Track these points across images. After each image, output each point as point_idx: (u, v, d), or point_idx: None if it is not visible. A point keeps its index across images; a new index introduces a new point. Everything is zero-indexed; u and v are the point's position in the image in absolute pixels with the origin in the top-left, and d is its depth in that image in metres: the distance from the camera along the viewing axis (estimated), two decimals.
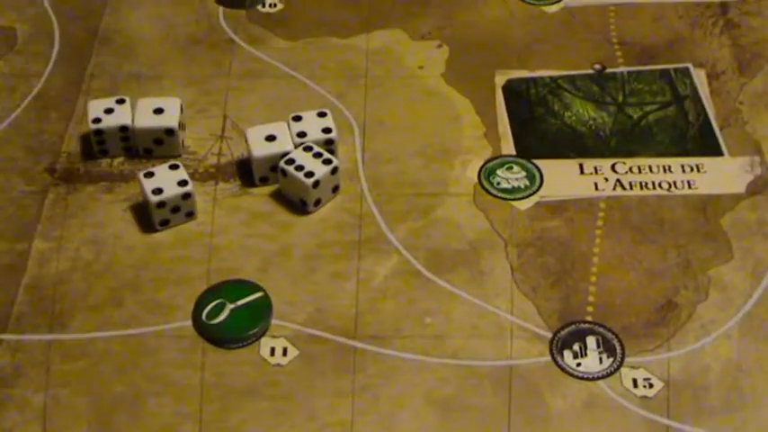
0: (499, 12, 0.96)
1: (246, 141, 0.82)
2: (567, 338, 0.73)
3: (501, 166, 0.84)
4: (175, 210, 0.79)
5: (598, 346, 0.73)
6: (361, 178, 0.83)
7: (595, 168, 0.84)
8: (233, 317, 0.74)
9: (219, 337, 0.73)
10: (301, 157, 0.80)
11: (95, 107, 0.84)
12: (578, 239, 0.80)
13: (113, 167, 0.84)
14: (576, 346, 0.73)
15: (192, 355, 0.73)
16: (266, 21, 0.96)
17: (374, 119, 0.88)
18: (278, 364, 0.72)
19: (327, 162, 0.80)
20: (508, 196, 0.82)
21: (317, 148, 0.81)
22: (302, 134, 0.82)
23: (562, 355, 0.73)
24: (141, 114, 0.84)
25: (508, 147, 0.86)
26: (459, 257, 0.78)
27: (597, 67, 0.92)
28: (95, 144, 0.84)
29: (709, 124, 0.87)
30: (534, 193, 0.82)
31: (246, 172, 0.83)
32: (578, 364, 0.72)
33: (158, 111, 0.84)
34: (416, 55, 0.93)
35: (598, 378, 0.71)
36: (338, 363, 0.73)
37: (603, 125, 0.87)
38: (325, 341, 0.74)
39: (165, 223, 0.80)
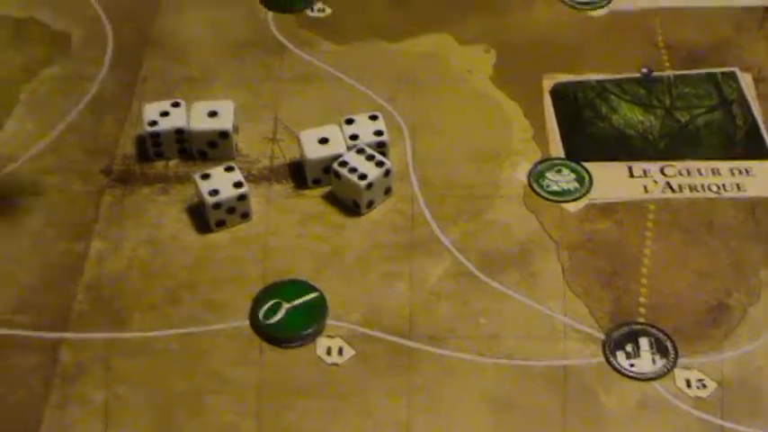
0: (546, 16, 0.97)
1: (299, 144, 0.84)
2: (619, 339, 0.74)
3: (550, 168, 0.85)
4: (231, 211, 0.81)
5: (651, 347, 0.74)
6: (412, 180, 0.84)
7: (644, 171, 0.85)
8: (289, 316, 0.76)
9: (276, 336, 0.75)
10: (354, 159, 0.82)
11: (151, 110, 0.85)
12: (628, 241, 0.80)
13: (168, 169, 0.86)
14: (628, 347, 0.74)
15: (250, 354, 0.74)
16: (315, 25, 0.97)
17: (423, 122, 0.89)
18: (334, 364, 0.74)
19: (380, 164, 0.81)
20: (558, 198, 0.83)
21: (369, 151, 0.82)
22: (354, 137, 0.83)
23: (615, 356, 0.73)
24: (196, 117, 0.85)
25: (557, 149, 0.87)
26: (511, 259, 0.79)
27: (644, 70, 0.92)
28: (151, 146, 0.85)
29: (757, 127, 0.88)
30: (584, 195, 0.83)
31: (299, 174, 0.85)
32: (631, 365, 0.73)
33: (213, 114, 0.85)
34: (464, 59, 0.94)
35: (651, 378, 0.72)
36: (393, 362, 0.74)
37: (651, 127, 0.88)
38: (380, 341, 0.75)
39: (222, 224, 0.81)
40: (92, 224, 0.82)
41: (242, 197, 0.80)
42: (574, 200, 0.83)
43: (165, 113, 0.85)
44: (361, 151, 0.82)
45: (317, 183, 0.84)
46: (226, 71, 0.93)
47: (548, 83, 0.92)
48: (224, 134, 0.84)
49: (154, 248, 0.80)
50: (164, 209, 0.83)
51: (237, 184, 0.80)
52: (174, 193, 0.84)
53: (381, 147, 0.84)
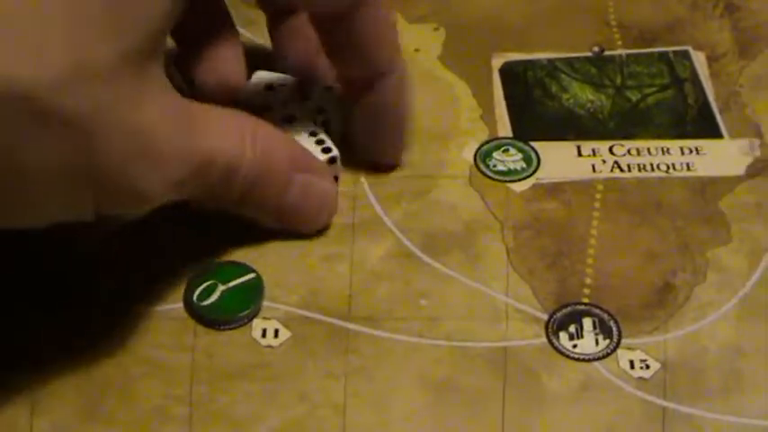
0: None
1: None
2: (562, 320, 0.72)
3: (497, 148, 0.83)
4: None
5: (594, 328, 0.72)
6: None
7: (593, 150, 0.83)
8: (224, 298, 0.74)
9: (211, 318, 0.73)
10: (305, 141, 0.79)
11: None
12: (575, 221, 0.79)
13: None
14: (572, 328, 0.72)
15: (183, 337, 0.72)
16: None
17: None
18: (269, 346, 0.72)
19: (327, 151, 0.79)
20: (505, 178, 0.81)
21: (321, 134, 0.79)
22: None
23: (558, 337, 0.72)
24: None
25: (505, 129, 0.85)
26: (455, 239, 0.78)
27: (596, 49, 0.91)
28: None
29: (709, 107, 0.86)
30: (531, 175, 0.81)
31: None
32: (574, 346, 0.71)
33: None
34: (412, 38, 0.92)
35: (594, 359, 0.70)
36: (331, 344, 0.72)
37: (602, 106, 0.86)
38: (318, 323, 0.73)
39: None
40: None
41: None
42: (520, 180, 0.81)
43: None
44: (313, 134, 0.80)
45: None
46: None
47: (497, 62, 0.90)
48: None
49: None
50: None
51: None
52: None
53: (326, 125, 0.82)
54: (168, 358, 0.71)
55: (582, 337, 0.72)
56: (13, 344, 0.71)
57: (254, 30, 0.92)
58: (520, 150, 0.83)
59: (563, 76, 0.89)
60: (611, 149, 0.83)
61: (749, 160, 0.82)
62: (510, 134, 0.84)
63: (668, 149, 0.83)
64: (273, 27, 0.85)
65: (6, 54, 0.56)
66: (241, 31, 0.92)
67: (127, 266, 0.76)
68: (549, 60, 0.90)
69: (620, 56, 0.90)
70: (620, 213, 0.79)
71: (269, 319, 0.73)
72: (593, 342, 0.71)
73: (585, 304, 0.73)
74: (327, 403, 0.69)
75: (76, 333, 0.72)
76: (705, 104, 0.86)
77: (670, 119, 0.86)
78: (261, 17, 0.93)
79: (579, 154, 0.83)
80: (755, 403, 0.68)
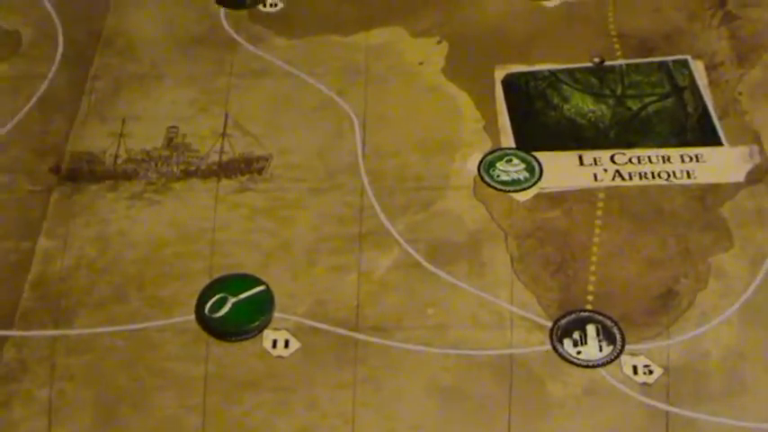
0: (499, 6, 0.97)
1: None
2: (566, 327, 0.74)
3: (501, 158, 0.85)
4: None
5: (598, 334, 0.73)
6: (362, 172, 0.84)
7: (595, 159, 0.84)
8: (235, 310, 0.75)
9: (222, 330, 0.74)
10: None
11: None
12: (578, 230, 0.80)
13: (117, 166, 0.85)
14: (575, 335, 0.73)
15: (196, 349, 0.74)
16: (267, 20, 0.97)
17: (375, 114, 0.88)
18: (279, 357, 0.73)
19: None
20: (508, 188, 0.83)
21: None
22: None
23: (562, 344, 0.73)
24: None
25: (508, 140, 0.86)
26: (460, 249, 0.79)
27: (596, 59, 0.92)
28: None
29: (708, 115, 0.88)
30: (534, 184, 0.83)
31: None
32: (578, 352, 0.72)
33: None
34: (416, 51, 0.94)
35: (598, 365, 0.72)
36: (339, 354, 0.73)
37: (602, 116, 0.88)
38: (327, 333, 0.74)
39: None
40: (40, 222, 0.81)
41: None
42: (524, 189, 0.83)
43: None
44: None
45: None
46: (177, 67, 0.93)
47: (500, 73, 0.91)
48: None
49: (101, 245, 0.80)
50: (112, 205, 0.82)
51: None
52: (121, 190, 0.83)
53: None
54: (182, 369, 0.73)
55: (586, 343, 0.73)
56: (31, 355, 0.73)
57: None
58: (523, 160, 0.84)
59: (564, 86, 0.90)
60: (612, 158, 0.84)
61: (749, 167, 0.83)
62: (513, 144, 0.86)
63: (669, 157, 0.84)
64: None
65: None
66: (249, 47, 0.94)
67: (140, 281, 0.78)
68: (551, 71, 0.91)
69: (621, 66, 0.92)
70: (622, 221, 0.80)
71: (279, 329, 0.75)
72: (597, 348, 0.73)
73: (589, 311, 0.75)
74: (337, 412, 0.70)
75: (94, 346, 0.74)
76: (704, 112, 0.88)
77: (670, 127, 0.87)
78: (268, 33, 0.95)
79: (581, 163, 0.84)
80: (758, 407, 0.69)
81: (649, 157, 0.84)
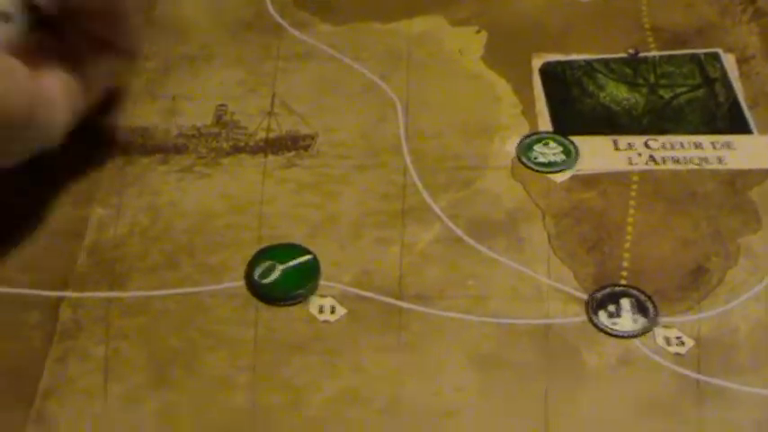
0: (535, 0, 1.00)
1: None
2: (602, 300, 0.77)
3: (538, 141, 0.88)
4: None
5: (632, 307, 0.76)
6: (405, 152, 0.87)
7: (629, 144, 0.87)
8: (283, 277, 0.78)
9: (271, 295, 0.77)
10: None
11: None
12: (613, 210, 0.83)
13: (167, 141, 0.88)
14: (610, 307, 0.76)
15: (245, 313, 0.77)
16: (311, 6, 1.00)
17: (417, 98, 0.92)
18: (326, 321, 0.76)
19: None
20: (545, 170, 0.86)
21: None
22: None
23: (597, 315, 0.76)
24: None
25: (545, 124, 0.89)
26: (499, 226, 0.82)
27: (631, 51, 0.95)
28: None
29: (739, 105, 0.91)
30: (570, 167, 0.86)
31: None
32: (614, 324, 0.75)
33: None
34: (456, 40, 0.97)
35: (632, 336, 0.75)
36: (383, 321, 0.76)
37: (636, 103, 0.91)
38: (371, 300, 0.77)
39: None
40: (94, 191, 0.85)
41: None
42: (560, 171, 0.86)
43: None
44: None
45: None
46: (225, 50, 0.96)
47: (537, 62, 0.95)
48: None
49: (153, 214, 0.83)
50: (163, 177, 0.86)
51: None
52: (172, 163, 0.87)
53: None
54: (232, 332, 0.76)
55: (620, 315, 0.76)
56: (86, 315, 0.76)
57: None
58: (560, 143, 0.87)
59: (599, 75, 0.94)
60: (646, 143, 0.87)
61: None
62: (550, 129, 0.89)
63: (700, 144, 0.87)
64: None
65: None
66: (294, 32, 0.98)
67: (191, 249, 0.81)
68: (587, 61, 0.95)
69: (654, 57, 0.95)
70: (656, 203, 0.83)
71: (325, 296, 0.78)
72: (631, 320, 0.76)
73: (623, 285, 0.78)
74: (381, 375, 0.73)
75: (147, 308, 0.77)
76: (735, 103, 0.91)
77: (701, 116, 0.90)
78: (313, 19, 0.99)
79: (616, 147, 0.87)
80: None
81: (682, 143, 0.87)
